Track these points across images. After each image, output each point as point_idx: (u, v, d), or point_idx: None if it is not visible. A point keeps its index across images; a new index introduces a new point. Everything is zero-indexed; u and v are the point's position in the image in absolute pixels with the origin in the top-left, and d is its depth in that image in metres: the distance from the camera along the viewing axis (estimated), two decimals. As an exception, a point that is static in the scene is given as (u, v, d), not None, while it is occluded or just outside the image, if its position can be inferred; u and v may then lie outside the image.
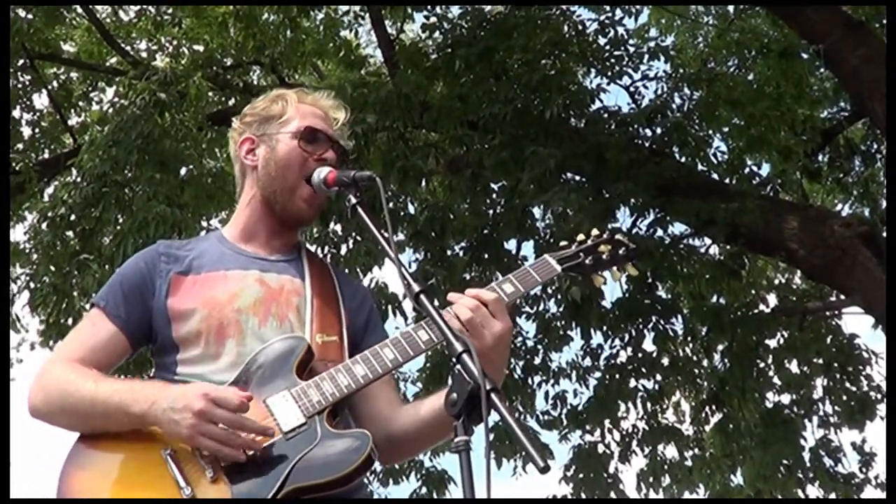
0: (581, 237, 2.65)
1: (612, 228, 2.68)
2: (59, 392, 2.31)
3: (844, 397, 8.98)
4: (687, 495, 9.95)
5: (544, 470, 1.83)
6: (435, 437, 2.50)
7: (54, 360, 2.43)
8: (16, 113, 10.59)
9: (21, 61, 10.29)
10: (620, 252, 2.64)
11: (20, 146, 10.69)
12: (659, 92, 9.41)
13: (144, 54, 11.32)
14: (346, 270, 7.94)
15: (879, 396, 8.93)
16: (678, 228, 9.08)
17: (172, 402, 2.17)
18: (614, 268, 2.64)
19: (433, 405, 2.41)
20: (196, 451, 2.18)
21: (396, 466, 8.94)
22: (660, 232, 8.74)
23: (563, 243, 2.66)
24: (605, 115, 8.89)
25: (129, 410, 2.21)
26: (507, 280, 2.48)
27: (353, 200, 2.41)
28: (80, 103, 11.54)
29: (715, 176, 9.25)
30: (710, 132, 9.41)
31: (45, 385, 2.36)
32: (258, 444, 2.17)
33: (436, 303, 2.20)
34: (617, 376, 9.07)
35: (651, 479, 9.22)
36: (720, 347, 9.19)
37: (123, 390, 2.25)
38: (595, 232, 2.66)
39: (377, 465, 2.39)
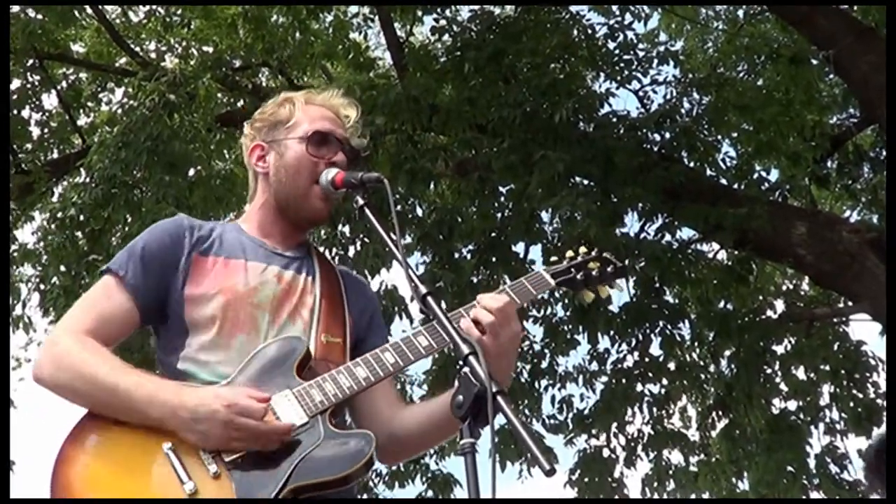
0: (570, 253, 2.72)
1: (600, 248, 2.75)
2: (73, 371, 2.28)
3: (851, 404, 8.94)
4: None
5: (550, 473, 1.83)
6: (439, 437, 2.55)
7: (66, 331, 2.38)
8: (25, 113, 10.61)
9: (30, 61, 10.32)
10: (608, 270, 2.72)
11: (29, 146, 10.72)
12: (668, 97, 9.44)
13: (153, 55, 11.36)
14: (354, 272, 7.95)
15: (886, 403, 8.89)
16: (686, 233, 9.08)
17: (194, 411, 2.17)
18: (601, 285, 2.72)
19: (441, 405, 2.43)
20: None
21: (402, 469, 8.96)
22: (668, 237, 8.74)
23: (553, 258, 2.74)
24: (614, 120, 8.90)
25: (147, 413, 2.21)
26: (504, 291, 2.52)
27: (361, 202, 2.43)
28: (90, 104, 11.58)
29: (723, 181, 9.24)
30: (719, 137, 9.40)
31: (57, 358, 2.32)
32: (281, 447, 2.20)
33: (443, 305, 2.21)
34: (623, 381, 9.06)
35: (656, 484, 9.20)
36: (727, 353, 9.17)
37: (141, 390, 2.22)
38: (583, 249, 2.73)
39: (382, 467, 2.41)
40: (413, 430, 2.49)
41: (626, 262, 2.86)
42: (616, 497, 8.97)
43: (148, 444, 2.20)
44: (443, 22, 9.28)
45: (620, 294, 8.95)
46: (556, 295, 8.80)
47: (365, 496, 8.62)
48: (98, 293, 2.47)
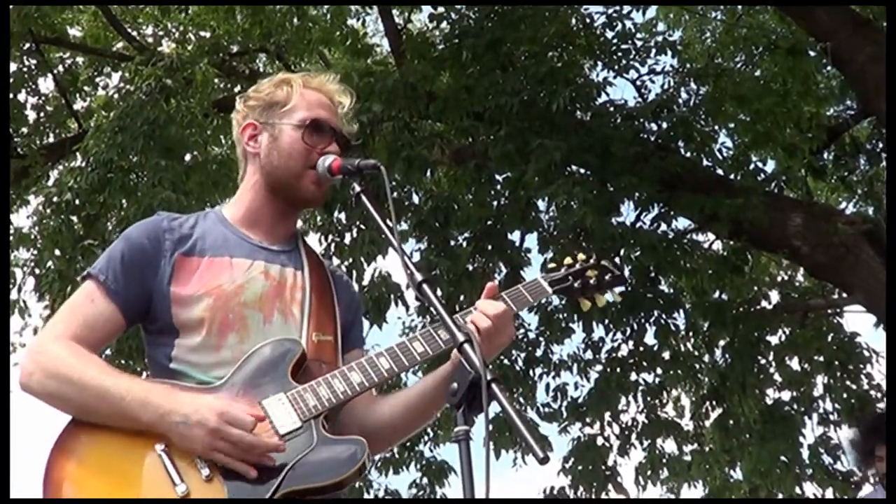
0: (568, 260, 2.72)
1: (599, 254, 2.75)
2: (61, 377, 2.25)
3: (844, 395, 8.97)
4: (685, 490, 9.98)
5: (543, 461, 1.84)
6: (415, 426, 2.58)
7: (52, 338, 2.34)
8: (21, 96, 10.59)
9: (27, 45, 10.29)
10: (606, 278, 2.72)
11: (25, 130, 10.70)
12: (665, 86, 9.45)
13: (151, 40, 11.34)
14: (351, 259, 7.96)
15: (879, 395, 8.91)
16: (682, 223, 9.09)
17: (185, 417, 2.15)
18: (598, 294, 2.72)
19: (417, 395, 2.47)
20: None
21: (396, 455, 8.98)
22: (663, 226, 8.75)
23: (551, 265, 2.74)
24: (612, 109, 8.90)
25: (138, 418, 2.18)
26: (500, 297, 2.51)
27: (357, 189, 2.42)
28: (86, 88, 11.56)
29: (720, 171, 9.25)
30: (716, 127, 9.41)
31: (44, 366, 2.28)
32: (270, 461, 2.17)
33: (438, 292, 2.22)
34: (618, 369, 9.07)
35: (649, 473, 9.24)
36: (721, 343, 9.18)
37: (133, 394, 2.20)
38: (582, 256, 2.73)
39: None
40: (389, 421, 2.50)
41: (624, 272, 2.82)
42: (610, 487, 9.00)
43: (139, 446, 2.19)
44: (441, 9, 9.25)
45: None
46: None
47: (358, 483, 8.64)
48: (81, 299, 2.42)
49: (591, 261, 2.72)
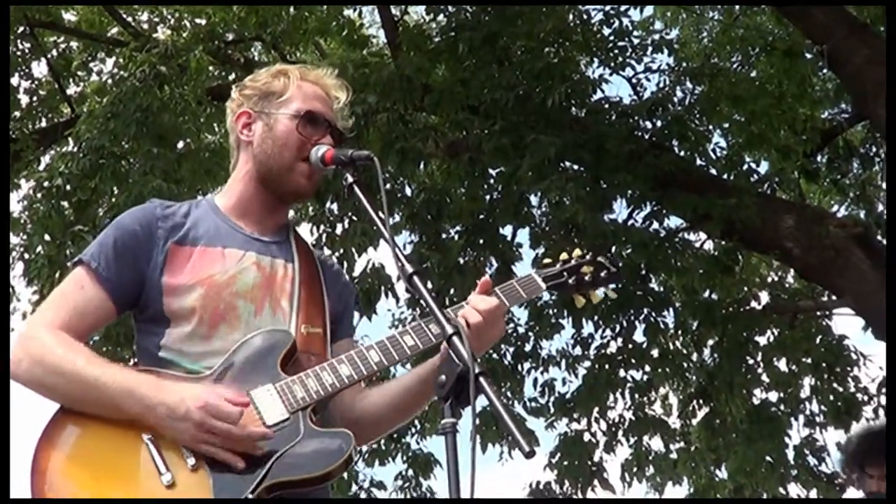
0: (564, 256, 2.70)
1: (595, 250, 2.72)
2: (48, 365, 2.24)
3: (831, 397, 8.99)
4: (670, 487, 10.01)
5: (529, 455, 1.84)
6: (402, 419, 2.59)
7: (40, 326, 2.33)
8: (14, 80, 10.54)
9: (21, 29, 10.24)
10: (602, 274, 2.69)
11: (17, 114, 10.64)
12: (661, 85, 9.45)
13: (146, 26, 11.28)
14: (342, 250, 7.95)
15: (866, 398, 8.94)
16: (674, 222, 9.10)
17: (171, 410, 2.14)
18: (593, 290, 2.70)
19: (404, 388, 2.48)
20: None
21: (382, 447, 8.98)
22: (655, 225, 8.75)
23: (546, 260, 2.72)
24: (607, 106, 8.90)
25: (123, 408, 2.18)
26: (494, 292, 2.50)
27: (350, 180, 2.41)
28: (80, 73, 11.50)
29: (713, 171, 9.25)
30: (711, 127, 9.42)
31: (32, 353, 2.28)
32: (257, 451, 2.17)
33: (429, 285, 2.21)
34: (606, 366, 9.09)
35: (635, 470, 9.26)
36: (710, 342, 9.19)
37: (118, 384, 2.19)
38: (577, 252, 2.71)
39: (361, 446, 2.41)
40: (374, 413, 2.50)
41: (620, 267, 2.79)
42: (595, 482, 9.01)
43: (126, 436, 2.18)
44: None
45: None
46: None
47: (344, 474, 8.63)
48: (71, 286, 2.41)
49: (587, 256, 2.69)
